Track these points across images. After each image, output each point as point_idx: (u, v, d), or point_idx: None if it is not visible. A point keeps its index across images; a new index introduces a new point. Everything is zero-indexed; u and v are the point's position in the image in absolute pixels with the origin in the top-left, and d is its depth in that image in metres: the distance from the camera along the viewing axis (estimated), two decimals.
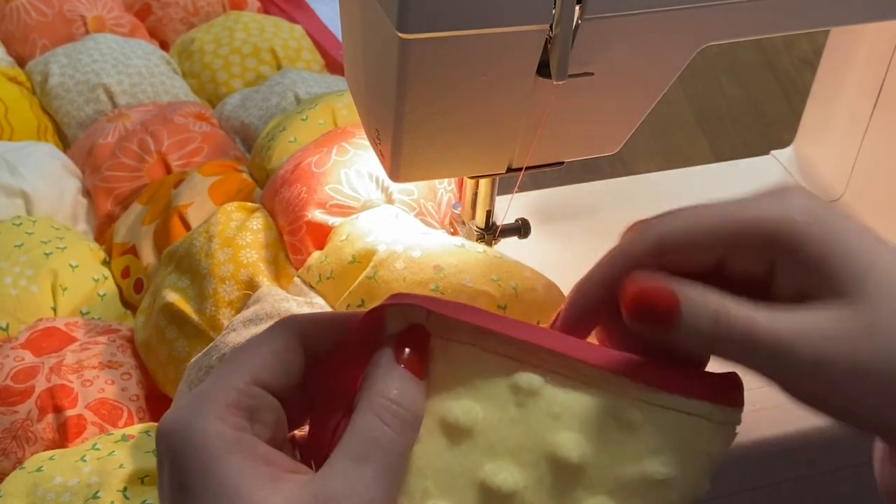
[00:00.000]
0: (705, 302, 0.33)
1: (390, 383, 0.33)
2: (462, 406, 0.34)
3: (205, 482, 0.31)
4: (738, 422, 0.36)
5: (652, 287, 0.34)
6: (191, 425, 0.32)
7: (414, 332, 0.35)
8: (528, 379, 0.34)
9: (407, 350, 0.34)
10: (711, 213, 0.35)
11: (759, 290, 0.35)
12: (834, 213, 0.34)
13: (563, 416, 0.34)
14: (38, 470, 0.52)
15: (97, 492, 0.50)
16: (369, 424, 0.32)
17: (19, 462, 0.55)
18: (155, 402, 0.61)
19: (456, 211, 0.59)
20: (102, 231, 0.76)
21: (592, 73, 0.42)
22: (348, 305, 0.53)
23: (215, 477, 0.31)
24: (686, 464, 0.34)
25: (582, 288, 0.37)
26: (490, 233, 0.57)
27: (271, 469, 0.32)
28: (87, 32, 0.94)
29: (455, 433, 0.33)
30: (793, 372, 0.33)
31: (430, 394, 0.34)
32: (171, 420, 0.32)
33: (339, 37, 0.84)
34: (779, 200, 0.34)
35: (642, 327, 0.34)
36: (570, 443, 0.33)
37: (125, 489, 0.51)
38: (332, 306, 0.54)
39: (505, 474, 0.33)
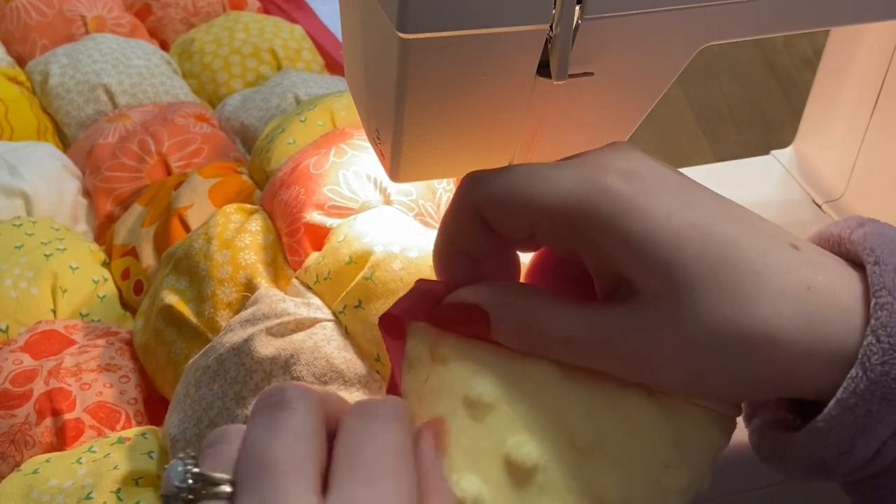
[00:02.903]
0: (512, 316, 0.35)
1: None
2: (483, 382, 0.34)
3: None
4: (739, 413, 0.36)
5: (463, 304, 0.35)
6: None
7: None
8: (542, 365, 0.35)
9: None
10: (525, 187, 0.35)
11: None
12: (643, 188, 0.33)
13: (577, 401, 0.34)
14: (34, 472, 0.52)
15: (90, 493, 0.50)
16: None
17: (17, 466, 0.55)
18: (153, 405, 0.61)
19: None
20: (102, 232, 0.76)
21: (592, 73, 0.42)
22: (345, 306, 0.53)
23: None
24: (694, 454, 0.35)
25: (443, 261, 0.38)
26: None
27: None
28: (87, 32, 0.94)
29: (479, 409, 0.34)
30: (617, 366, 0.34)
31: (449, 376, 0.35)
32: None
33: (339, 37, 0.83)
34: (586, 179, 0.34)
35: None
36: (585, 427, 0.34)
37: (119, 490, 0.51)
38: (329, 307, 0.54)
39: (528, 448, 0.33)
